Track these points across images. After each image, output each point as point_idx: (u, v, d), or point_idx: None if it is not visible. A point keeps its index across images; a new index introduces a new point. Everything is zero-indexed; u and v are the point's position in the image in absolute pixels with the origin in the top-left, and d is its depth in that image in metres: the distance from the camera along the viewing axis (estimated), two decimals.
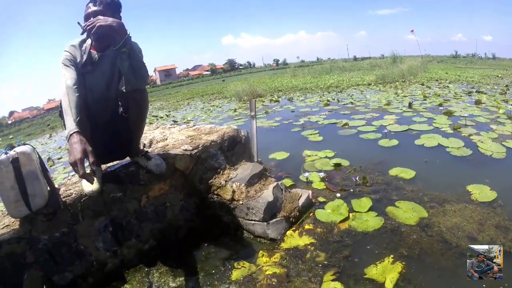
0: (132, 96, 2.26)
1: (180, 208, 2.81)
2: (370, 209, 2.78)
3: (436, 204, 2.78)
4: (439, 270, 2.05)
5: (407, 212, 2.66)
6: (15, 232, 2.03)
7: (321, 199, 3.04)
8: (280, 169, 4.00)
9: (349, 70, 22.58)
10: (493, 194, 2.84)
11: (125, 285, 2.30)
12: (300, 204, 2.78)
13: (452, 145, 4.18)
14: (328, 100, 9.23)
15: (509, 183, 3.08)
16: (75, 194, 2.28)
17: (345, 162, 3.91)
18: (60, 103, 2.12)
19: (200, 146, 2.92)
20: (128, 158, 2.71)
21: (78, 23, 2.09)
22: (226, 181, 2.87)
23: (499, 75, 14.12)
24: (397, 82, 12.77)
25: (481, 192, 2.88)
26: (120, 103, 2.40)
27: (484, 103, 6.78)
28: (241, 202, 2.68)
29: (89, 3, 2.23)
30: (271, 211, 2.60)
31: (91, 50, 2.27)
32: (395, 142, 4.56)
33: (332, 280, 2.05)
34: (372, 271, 2.07)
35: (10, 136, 26.07)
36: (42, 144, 11.91)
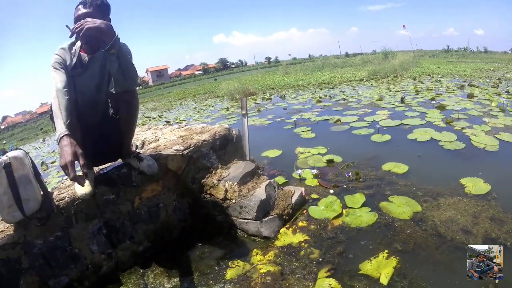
0: (122, 97, 2.26)
1: (173, 208, 2.80)
2: (364, 205, 2.78)
3: (429, 198, 2.78)
4: (434, 264, 2.05)
5: (400, 207, 2.67)
6: (10, 238, 2.02)
7: (314, 196, 3.03)
8: (273, 167, 4.00)
9: (341, 66, 22.63)
10: (487, 186, 2.85)
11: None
12: (293, 202, 2.78)
13: (445, 139, 4.20)
14: (320, 97, 9.23)
15: (503, 176, 3.09)
16: (68, 197, 2.27)
17: (337, 158, 3.92)
18: (51, 106, 2.12)
19: (191, 146, 2.91)
20: (120, 160, 2.70)
21: (67, 26, 2.07)
22: (218, 180, 2.86)
23: (491, 69, 14.20)
24: (389, 78, 12.81)
25: (475, 185, 2.89)
26: (110, 105, 2.40)
27: (477, 97, 6.83)
28: (234, 201, 2.67)
29: (78, 5, 2.22)
30: (264, 209, 2.60)
31: (81, 53, 2.27)
32: (387, 137, 4.57)
33: (327, 277, 2.04)
34: (367, 267, 2.07)
35: (4, 141, 25.92)
36: (35, 149, 11.87)
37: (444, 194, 2.82)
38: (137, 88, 2.38)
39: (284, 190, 2.91)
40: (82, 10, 2.16)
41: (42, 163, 7.08)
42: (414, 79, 11.54)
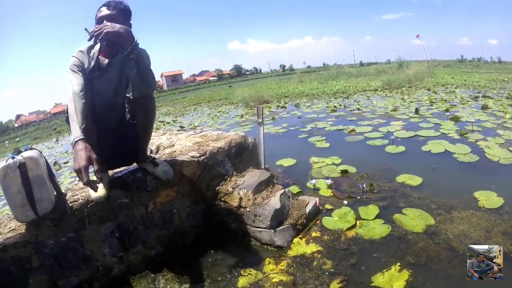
0: (139, 102, 2.26)
1: (187, 214, 2.81)
2: (377, 217, 2.76)
3: (443, 211, 2.76)
4: (446, 278, 2.03)
5: (414, 220, 2.65)
6: (21, 236, 2.05)
7: (328, 206, 3.03)
8: (287, 176, 4.00)
9: (356, 75, 22.53)
10: (500, 200, 2.82)
11: None
12: (307, 212, 2.77)
13: (459, 151, 4.16)
14: (334, 106, 9.21)
15: None
16: (82, 199, 2.29)
17: (352, 169, 3.90)
18: (67, 108, 2.12)
19: (207, 152, 2.92)
20: (135, 164, 2.70)
21: (85, 29, 2.08)
22: (233, 188, 2.86)
23: (505, 79, 14.00)
24: (403, 88, 12.72)
25: (488, 199, 2.86)
26: (127, 109, 2.41)
27: (491, 108, 6.74)
28: (248, 209, 2.67)
29: (102, 6, 2.23)
30: (278, 218, 2.59)
31: (99, 56, 2.28)
32: (402, 148, 4.54)
33: None
34: (379, 279, 2.06)
35: (17, 139, 26.14)
36: (48, 148, 11.97)
37: (458, 207, 2.79)
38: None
39: (298, 199, 2.90)
40: (105, 12, 2.17)
41: (55, 163, 7.16)
42: (429, 89, 11.45)
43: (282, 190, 2.83)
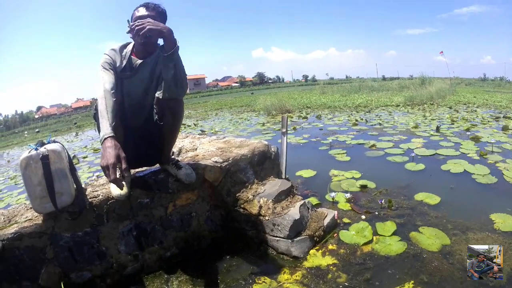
0: (168, 104, 2.29)
1: (206, 218, 2.84)
2: (394, 233, 2.76)
3: (459, 231, 2.74)
4: None
5: (430, 239, 2.64)
6: (38, 227, 2.07)
7: (346, 220, 3.04)
8: (306, 187, 4.02)
9: (378, 90, 22.36)
10: None
11: None
12: (325, 224, 2.78)
13: (478, 172, 4.12)
14: (356, 120, 9.19)
15: None
16: (102, 196, 2.32)
17: (371, 184, 3.90)
18: (96, 105, 2.14)
19: (230, 159, 2.94)
20: (157, 165, 2.73)
21: (128, 21, 2.13)
22: (253, 195, 2.88)
23: None
24: (425, 105, 12.61)
25: (504, 222, 2.83)
26: (155, 111, 2.42)
27: (511, 130, 6.66)
28: (267, 218, 2.68)
29: (139, 6, 2.24)
30: (297, 229, 2.60)
31: (132, 56, 2.31)
32: (421, 166, 4.51)
33: None
34: None
35: (36, 130, 26.57)
36: (68, 142, 12.22)
37: (473, 228, 2.77)
38: None
39: (317, 211, 2.91)
40: (143, 12, 2.17)
41: (74, 157, 7.26)
42: (450, 107, 11.32)
43: (302, 201, 2.84)
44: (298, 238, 2.58)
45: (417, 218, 3.01)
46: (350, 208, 3.29)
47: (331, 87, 26.44)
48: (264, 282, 2.30)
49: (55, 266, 2.13)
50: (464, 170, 4.27)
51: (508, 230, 2.71)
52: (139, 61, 2.30)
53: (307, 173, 4.55)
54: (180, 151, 3.91)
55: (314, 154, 5.84)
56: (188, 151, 3.71)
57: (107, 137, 1.89)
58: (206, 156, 3.04)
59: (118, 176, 1.83)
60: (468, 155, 4.93)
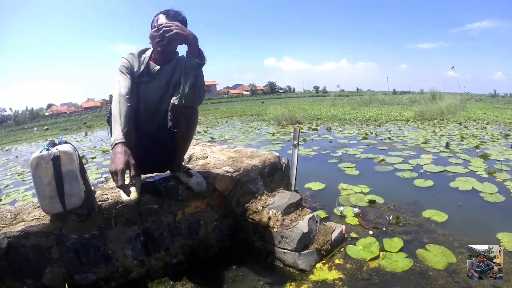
0: (183, 112, 2.28)
1: (214, 227, 2.84)
2: (401, 250, 2.75)
3: (465, 250, 2.70)
4: None
5: (436, 256, 2.63)
6: (45, 226, 2.08)
7: (353, 234, 3.03)
8: (315, 200, 4.02)
9: (388, 103, 22.29)
10: None
11: None
12: (332, 238, 2.78)
13: (486, 190, 4.09)
14: (366, 134, 9.19)
15: None
16: (111, 199, 2.33)
17: (379, 199, 3.89)
18: (110, 109, 2.14)
19: (241, 169, 2.95)
20: (168, 172, 2.74)
21: (156, 21, 2.16)
22: (263, 207, 2.87)
23: None
24: (435, 120, 12.55)
25: (511, 241, 2.81)
26: (170, 117, 2.41)
27: None
28: (275, 230, 2.68)
29: (160, 14, 2.25)
30: (305, 242, 2.60)
31: (150, 62, 2.32)
32: (430, 183, 4.49)
33: None
34: None
35: (45, 127, 26.67)
36: (77, 141, 12.29)
37: None
38: None
39: (325, 225, 2.91)
40: (164, 20, 2.17)
41: (83, 157, 7.31)
42: (460, 123, 11.27)
43: (311, 214, 2.83)
44: (305, 251, 2.57)
45: (424, 235, 3.00)
46: (358, 223, 3.28)
47: (341, 99, 26.45)
48: None
49: (60, 266, 2.14)
50: (472, 187, 4.25)
51: None
52: (157, 67, 2.32)
53: (316, 185, 4.55)
54: (190, 158, 3.93)
55: (324, 167, 5.83)
56: (199, 159, 3.72)
57: (118, 143, 1.90)
58: (217, 165, 3.05)
59: (126, 183, 1.85)
60: (476, 172, 4.90)
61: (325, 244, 2.69)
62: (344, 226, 3.01)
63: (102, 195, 2.38)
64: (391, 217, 3.27)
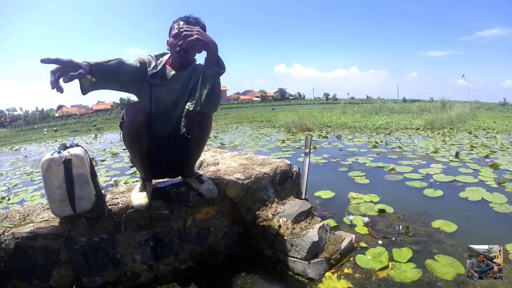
0: (197, 118, 2.28)
1: (223, 234, 2.84)
2: (410, 260, 2.74)
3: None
4: None
5: (445, 267, 2.62)
6: (54, 229, 2.09)
7: (362, 244, 3.03)
8: (324, 208, 4.01)
9: (398, 112, 22.14)
10: None
11: None
12: (342, 247, 2.77)
13: (495, 201, 4.06)
14: (376, 142, 9.15)
15: None
16: (121, 204, 2.34)
17: (389, 209, 3.87)
18: (123, 114, 2.23)
19: (252, 176, 2.96)
20: (179, 178, 2.76)
21: (182, 24, 2.17)
22: (273, 214, 2.88)
23: None
24: (445, 129, 12.46)
25: None
26: (183, 123, 2.42)
27: None
28: (285, 238, 2.68)
29: (179, 20, 2.27)
30: (314, 251, 2.61)
31: (167, 65, 2.35)
32: (440, 192, 4.46)
33: None
34: None
35: (54, 128, 26.84)
36: (86, 143, 12.42)
37: None
38: None
39: (335, 234, 2.91)
40: (183, 27, 2.10)
41: (92, 159, 7.30)
42: (470, 133, 11.17)
43: (321, 223, 2.84)
44: (314, 260, 2.57)
45: (433, 246, 2.98)
46: (367, 232, 3.28)
47: (351, 107, 26.34)
48: None
49: (67, 268, 2.16)
50: (482, 198, 4.22)
51: None
52: (173, 72, 2.34)
53: (326, 194, 4.55)
54: (201, 164, 3.94)
55: (334, 175, 5.82)
56: (210, 165, 3.74)
57: (87, 62, 1.91)
58: (228, 172, 3.06)
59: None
60: (486, 182, 4.86)
61: (334, 253, 2.69)
62: (353, 236, 3.00)
63: (113, 199, 2.40)
64: (400, 227, 3.25)
